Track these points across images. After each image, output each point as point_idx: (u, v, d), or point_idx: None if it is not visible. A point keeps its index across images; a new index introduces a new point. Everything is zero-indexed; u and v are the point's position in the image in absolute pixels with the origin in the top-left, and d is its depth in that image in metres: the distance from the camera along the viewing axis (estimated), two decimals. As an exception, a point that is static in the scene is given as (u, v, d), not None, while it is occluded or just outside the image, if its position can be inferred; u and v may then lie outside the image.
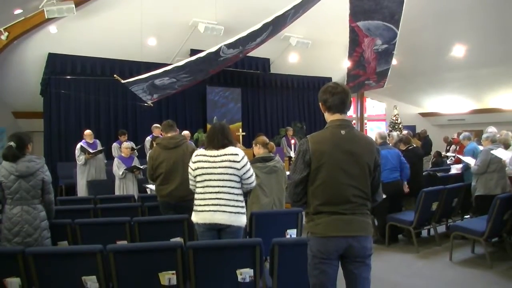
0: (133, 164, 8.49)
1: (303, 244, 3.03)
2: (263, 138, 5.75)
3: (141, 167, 8.54)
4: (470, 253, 6.24)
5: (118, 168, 8.36)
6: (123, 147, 8.75)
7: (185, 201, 4.80)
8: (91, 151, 9.26)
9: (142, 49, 11.74)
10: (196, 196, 4.06)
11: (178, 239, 4.59)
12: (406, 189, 6.91)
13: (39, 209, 4.34)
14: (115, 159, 8.63)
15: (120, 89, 11.62)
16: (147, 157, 6.06)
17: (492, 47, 12.45)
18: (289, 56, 14.73)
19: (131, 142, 9.57)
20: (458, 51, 13.15)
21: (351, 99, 3.05)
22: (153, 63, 11.68)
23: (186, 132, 9.47)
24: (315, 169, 2.85)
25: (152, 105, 10.47)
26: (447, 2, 11.23)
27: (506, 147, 6.63)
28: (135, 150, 9.43)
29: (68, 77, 11.51)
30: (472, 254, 6.23)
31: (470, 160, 7.13)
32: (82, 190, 9.28)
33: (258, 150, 5.58)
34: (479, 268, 5.64)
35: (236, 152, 4.01)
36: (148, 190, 8.00)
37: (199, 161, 4.00)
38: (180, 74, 9.32)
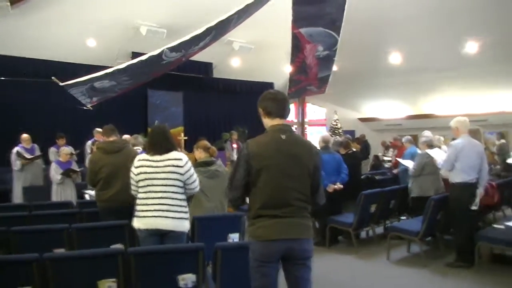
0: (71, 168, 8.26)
1: (245, 248, 3.05)
2: (205, 142, 5.73)
3: (78, 169, 8.31)
4: (406, 253, 6.49)
5: (56, 173, 8.08)
6: (63, 152, 8.47)
7: (126, 207, 4.70)
8: (28, 156, 8.92)
9: (82, 51, 11.43)
10: (138, 201, 4.00)
11: (119, 246, 4.50)
12: (330, 189, 6.84)
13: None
14: (53, 164, 8.33)
15: (58, 92, 11.24)
16: (87, 162, 5.91)
17: (426, 54, 13.01)
18: (232, 60, 14.77)
19: (70, 147, 9.29)
20: (395, 58, 13.65)
21: (289, 105, 3.11)
22: (93, 65, 11.38)
23: (126, 136, 9.28)
24: (255, 173, 2.88)
25: (91, 108, 10.19)
26: (386, 10, 11.61)
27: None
28: (74, 155, 9.15)
29: (3, 78, 11.04)
30: (408, 253, 6.48)
31: (409, 163, 7.40)
32: (18, 197, 8.92)
33: (200, 155, 5.56)
34: (414, 266, 5.87)
35: (179, 157, 3.98)
36: (86, 196, 7.79)
37: (142, 166, 3.94)
38: (121, 77, 9.13)
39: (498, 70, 12.78)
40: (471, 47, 12.08)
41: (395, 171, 9.40)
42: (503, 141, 12.08)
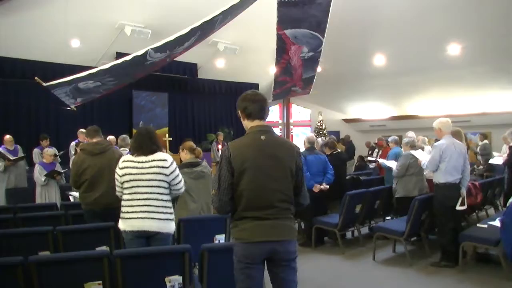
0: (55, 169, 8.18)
1: (232, 249, 3.05)
2: (190, 143, 5.72)
3: (62, 171, 8.23)
4: (391, 253, 6.55)
5: (40, 175, 8.00)
6: (46, 153, 8.38)
7: (111, 209, 4.67)
8: (11, 157, 8.81)
9: (66, 51, 11.33)
10: (123, 203, 3.97)
11: (105, 248, 4.47)
12: (315, 189, 6.88)
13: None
14: (36, 165, 8.26)
15: (42, 93, 11.13)
16: (71, 163, 5.84)
17: (411, 56, 13.14)
18: (217, 61, 14.75)
19: (54, 148, 9.20)
20: (379, 60, 13.77)
21: (268, 106, 3.12)
22: (77, 65, 11.31)
23: (111, 137, 9.22)
24: (238, 175, 2.88)
25: (75, 109, 10.09)
26: (370, 13, 11.71)
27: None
28: (58, 156, 9.07)
29: (-15, 78, 10.90)
30: (394, 253, 6.54)
31: (392, 164, 7.47)
32: (1, 199, 8.79)
33: (185, 156, 5.55)
34: (400, 266, 5.93)
35: (165, 157, 3.97)
36: (71, 197, 7.71)
37: (127, 167, 3.92)
38: (106, 78, 9.06)
39: (480, 72, 12.96)
40: (454, 49, 12.22)
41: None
42: (486, 141, 12.24)
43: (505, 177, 8.40)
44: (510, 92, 13.64)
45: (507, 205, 5.57)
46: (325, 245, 7.18)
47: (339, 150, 8.34)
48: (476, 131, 14.06)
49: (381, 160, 8.53)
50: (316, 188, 6.86)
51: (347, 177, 8.44)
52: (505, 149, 9.30)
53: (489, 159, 10.74)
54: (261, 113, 3.02)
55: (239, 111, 3.07)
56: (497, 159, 9.14)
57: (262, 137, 2.95)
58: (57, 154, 9.03)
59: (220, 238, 4.90)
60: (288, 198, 2.95)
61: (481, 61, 12.46)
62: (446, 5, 10.81)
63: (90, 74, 8.72)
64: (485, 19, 10.92)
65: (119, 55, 11.23)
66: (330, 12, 8.95)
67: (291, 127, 19.48)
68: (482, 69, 12.83)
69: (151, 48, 8.46)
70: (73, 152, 9.44)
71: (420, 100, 15.66)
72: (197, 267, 3.94)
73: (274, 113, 18.98)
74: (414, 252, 6.47)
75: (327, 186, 7.01)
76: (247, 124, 3.06)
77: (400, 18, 11.60)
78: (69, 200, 7.78)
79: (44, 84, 8.96)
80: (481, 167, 11.77)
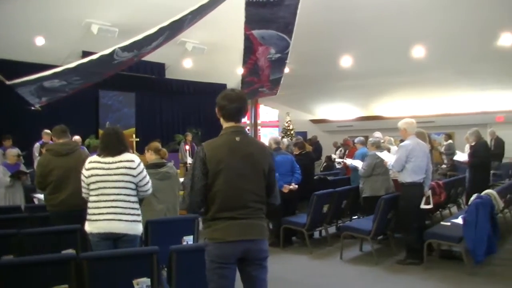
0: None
1: (200, 250, 3.04)
2: (156, 144, 5.69)
3: (27, 171, 8.05)
4: (358, 251, 6.65)
5: (4, 176, 7.77)
6: (10, 154, 8.19)
7: (78, 211, 4.59)
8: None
9: (30, 49, 11.06)
10: (89, 204, 3.90)
11: (71, 251, 4.39)
12: (285, 190, 6.89)
13: None
14: (0, 166, 8.04)
15: (4, 91, 10.84)
16: (35, 164, 5.71)
17: (377, 58, 13.35)
18: (185, 61, 14.64)
19: (17, 148, 8.98)
20: (346, 61, 13.94)
21: (247, 105, 3.13)
22: (42, 64, 10.99)
23: (76, 137, 9.06)
24: (212, 176, 2.89)
25: (40, 109, 9.88)
26: (338, 15, 11.82)
27: (388, 151, 7.17)
28: (21, 157, 8.85)
29: None
30: (360, 252, 6.64)
31: (359, 163, 7.58)
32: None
33: (150, 156, 5.52)
34: (367, 264, 6.03)
35: (132, 158, 3.93)
36: (35, 200, 7.54)
37: (93, 168, 3.86)
38: (72, 77, 8.90)
39: (443, 74, 13.32)
40: (419, 51, 12.47)
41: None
42: (450, 141, 12.56)
43: (467, 176, 8.62)
44: (471, 94, 14.07)
45: (469, 203, 5.73)
46: (293, 245, 7.24)
47: (308, 150, 8.41)
48: (440, 132, 14.45)
49: (348, 161, 8.64)
50: (286, 188, 6.89)
51: (315, 177, 8.51)
52: (467, 148, 9.56)
53: (453, 159, 11.02)
54: (237, 115, 3.04)
55: (216, 108, 3.08)
56: (461, 155, 9.37)
57: (237, 138, 2.97)
58: (20, 154, 8.81)
59: (188, 240, 4.87)
60: (261, 199, 2.99)
61: (444, 64, 12.80)
62: (411, 9, 11.02)
63: (55, 72, 8.55)
64: (447, 23, 11.20)
65: (86, 53, 11.01)
66: (297, 14, 9.01)
67: (259, 127, 19.53)
68: (445, 72, 13.18)
69: (119, 47, 8.35)
70: (37, 154, 9.23)
71: (386, 101, 15.98)
72: (165, 269, 3.91)
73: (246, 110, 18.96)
74: (381, 250, 6.58)
75: (296, 186, 7.05)
76: (222, 123, 3.08)
77: (367, 20, 11.76)
78: (34, 202, 7.61)
79: (8, 82, 8.75)
80: (444, 166, 12.07)
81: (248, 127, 18.76)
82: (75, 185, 4.58)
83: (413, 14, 11.20)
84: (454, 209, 8.74)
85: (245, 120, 18.68)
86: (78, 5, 10.49)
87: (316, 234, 7.71)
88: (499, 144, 11.32)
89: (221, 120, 3.08)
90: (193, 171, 2.93)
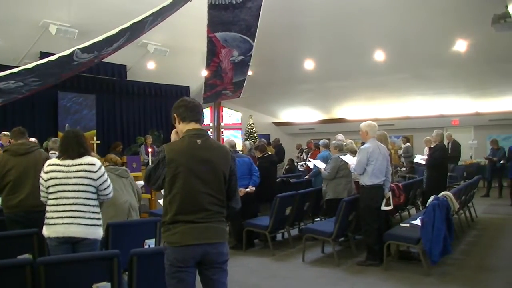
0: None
1: (162, 253, 3.01)
2: (111, 156, 5.86)
3: None
4: (320, 253, 6.70)
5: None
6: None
7: (36, 212, 4.46)
8: None
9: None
10: (48, 208, 3.80)
11: (27, 256, 4.26)
12: (241, 193, 6.61)
13: None
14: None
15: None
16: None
17: (338, 62, 13.55)
18: (147, 63, 14.47)
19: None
20: (309, 65, 14.09)
21: (203, 111, 3.15)
22: (-3, 64, 10.73)
23: (33, 140, 8.82)
24: (171, 179, 2.88)
25: (-6, 110, 9.60)
26: (300, 18, 11.95)
27: (353, 153, 7.24)
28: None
29: None
30: (322, 253, 6.69)
31: (320, 164, 7.65)
32: None
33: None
34: (328, 266, 6.08)
35: (92, 162, 3.85)
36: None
37: (52, 171, 3.76)
38: (28, 78, 8.64)
39: (402, 78, 13.64)
40: (379, 55, 12.72)
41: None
42: (408, 144, 12.86)
43: (424, 175, 8.83)
44: (429, 98, 14.44)
45: (427, 205, 5.87)
46: (255, 248, 7.24)
47: (270, 153, 8.44)
48: (399, 135, 14.77)
49: (311, 162, 8.71)
50: (242, 192, 6.67)
51: (277, 180, 8.55)
52: (426, 151, 9.80)
53: (411, 161, 11.27)
54: (197, 115, 3.05)
55: (174, 115, 3.07)
56: (421, 157, 9.60)
57: (198, 141, 2.97)
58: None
59: (150, 243, 4.82)
60: (221, 202, 2.98)
61: (403, 68, 13.11)
62: (371, 13, 11.25)
63: (11, 73, 8.28)
64: (406, 28, 11.48)
65: (44, 54, 10.74)
66: (260, 17, 9.06)
67: (222, 130, 19.51)
68: (404, 76, 13.50)
69: (78, 48, 8.17)
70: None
71: (347, 104, 16.22)
72: (126, 273, 3.85)
73: (205, 116, 18.90)
74: (342, 252, 6.67)
75: (253, 188, 7.05)
76: (182, 128, 3.05)
77: (328, 24, 11.94)
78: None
79: (-40, 84, 8.45)
80: (403, 168, 12.34)
81: (210, 130, 18.75)
82: (33, 185, 4.47)
83: (373, 18, 11.44)
84: (412, 210, 8.91)
85: (208, 122, 18.74)
86: (35, 5, 10.22)
87: (279, 237, 7.72)
88: (456, 147, 11.66)
89: (181, 125, 3.06)
90: (155, 165, 2.95)
